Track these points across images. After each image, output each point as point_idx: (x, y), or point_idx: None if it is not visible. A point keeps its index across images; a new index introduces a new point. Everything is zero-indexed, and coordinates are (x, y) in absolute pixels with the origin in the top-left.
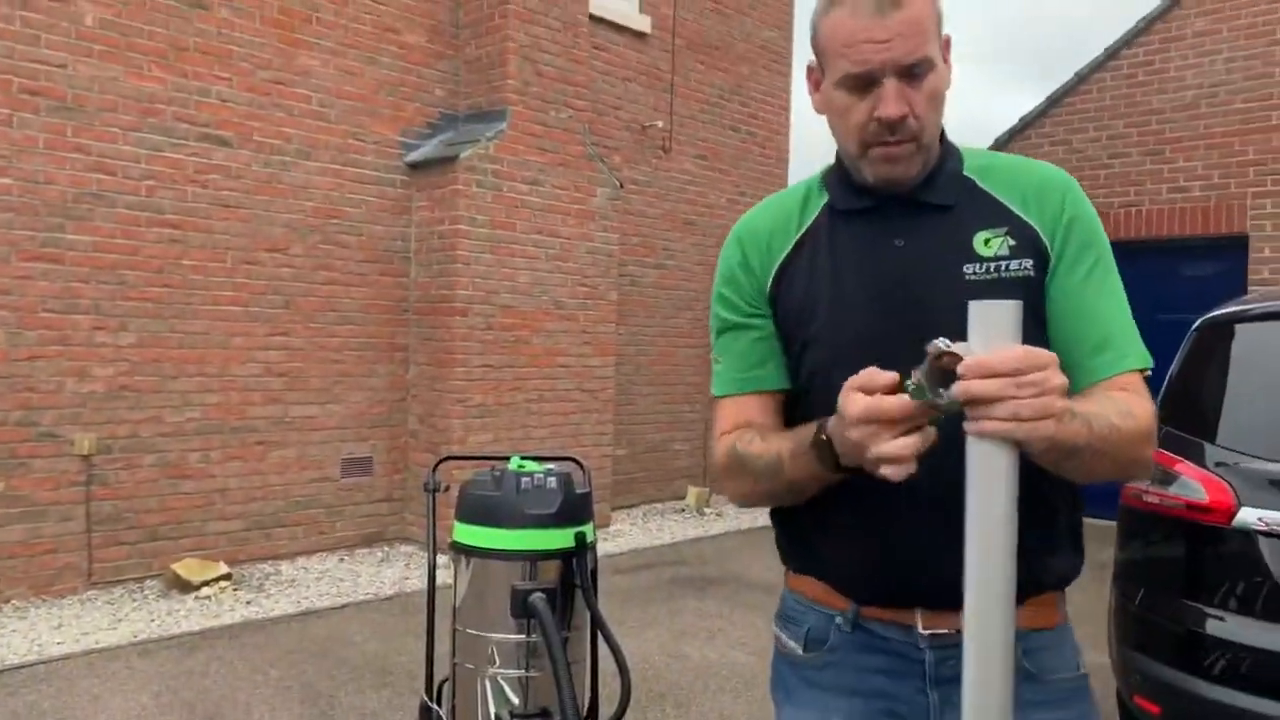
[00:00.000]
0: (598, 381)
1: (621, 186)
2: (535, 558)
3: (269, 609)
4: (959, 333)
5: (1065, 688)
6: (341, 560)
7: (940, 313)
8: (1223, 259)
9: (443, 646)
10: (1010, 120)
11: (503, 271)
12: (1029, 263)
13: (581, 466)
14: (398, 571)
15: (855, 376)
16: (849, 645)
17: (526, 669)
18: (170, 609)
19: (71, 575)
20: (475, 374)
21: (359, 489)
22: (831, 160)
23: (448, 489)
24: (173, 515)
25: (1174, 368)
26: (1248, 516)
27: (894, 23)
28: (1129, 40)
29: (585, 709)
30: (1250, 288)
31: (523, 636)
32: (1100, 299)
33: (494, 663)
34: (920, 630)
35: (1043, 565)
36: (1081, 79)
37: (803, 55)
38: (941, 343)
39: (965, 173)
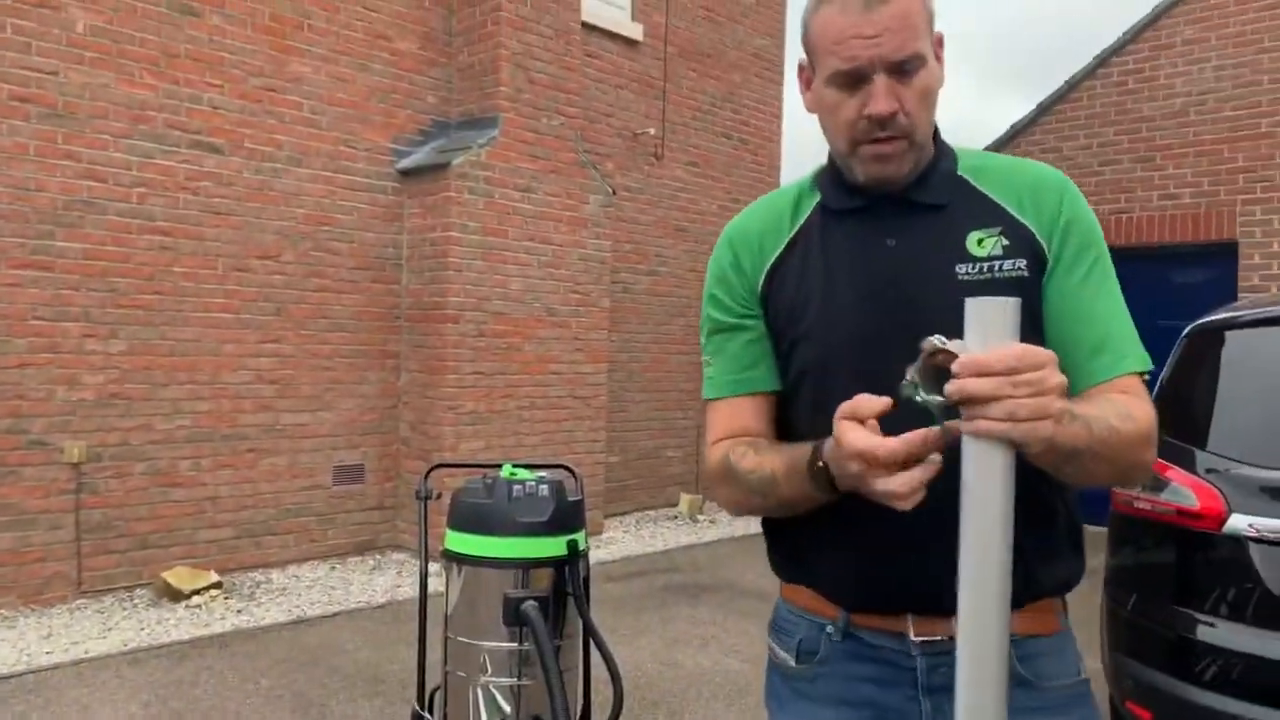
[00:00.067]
0: (590, 388)
1: (614, 193)
2: (527, 565)
3: (260, 617)
4: (951, 333)
5: (1064, 694)
6: (333, 568)
7: (932, 312)
8: (1213, 265)
9: (434, 655)
10: (1002, 127)
11: (494, 278)
12: (1023, 263)
13: (574, 474)
14: (389, 579)
15: (846, 404)
16: (839, 655)
17: (519, 677)
18: (160, 618)
19: (61, 584)
20: (467, 381)
21: (350, 497)
22: (823, 163)
23: (439, 496)
24: (163, 523)
25: (1164, 374)
26: (1238, 523)
27: (883, 18)
28: (1119, 48)
29: (578, 717)
30: (1240, 294)
31: (515, 645)
32: (1098, 301)
33: (486, 671)
34: (912, 637)
35: (1042, 570)
36: (1072, 86)
37: (794, 63)
38: (936, 340)
39: (959, 172)
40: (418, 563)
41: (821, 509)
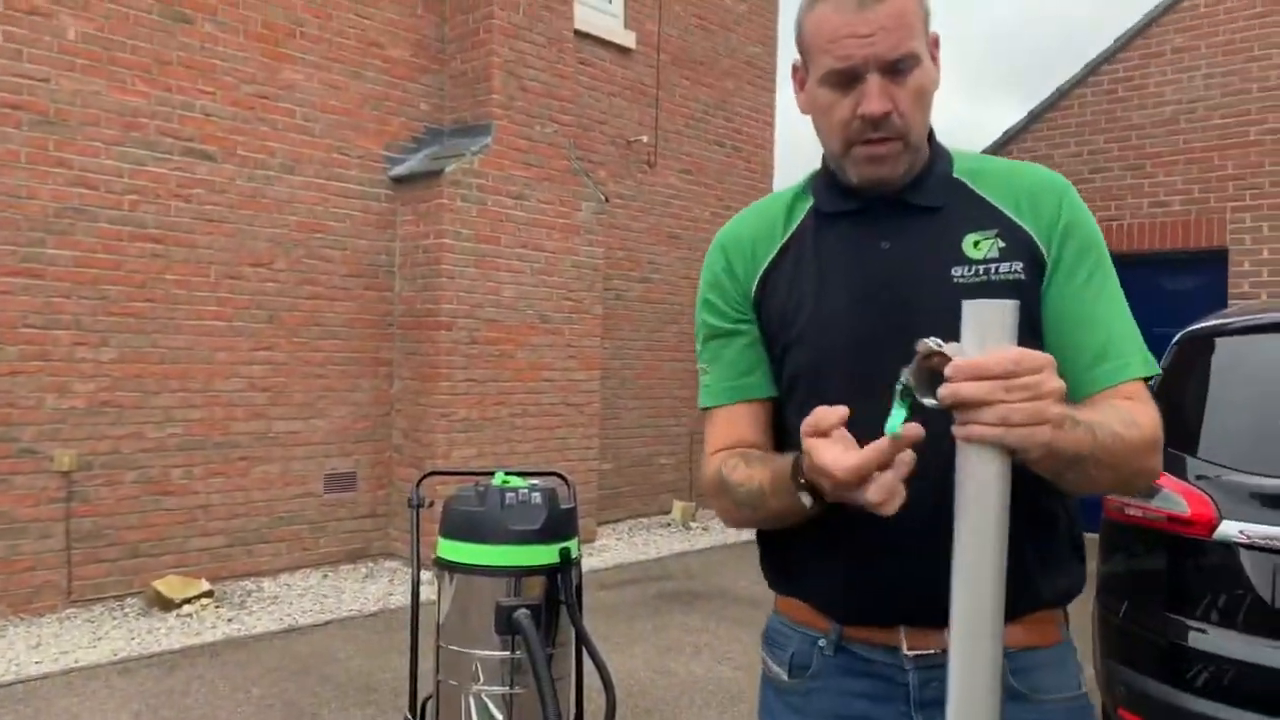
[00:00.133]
0: (583, 395)
1: (606, 201)
2: (520, 574)
3: (251, 626)
4: (947, 336)
5: (1061, 708)
6: (325, 576)
7: (927, 315)
8: (1203, 272)
9: (427, 663)
10: (994, 133)
11: (487, 285)
12: (1019, 265)
13: (566, 481)
14: (382, 587)
15: (808, 419)
16: (832, 670)
17: (511, 686)
18: (151, 627)
19: (51, 593)
20: (460, 388)
21: (342, 504)
22: (818, 167)
23: (432, 504)
24: (154, 532)
25: (1155, 381)
26: (1229, 529)
27: (878, 16)
28: (1109, 56)
29: None
30: (1230, 300)
31: (507, 653)
32: (1100, 305)
33: (478, 680)
34: (905, 650)
35: (1041, 579)
36: (1062, 94)
37: (786, 71)
38: (932, 342)
39: (955, 175)
40: (410, 571)
41: (814, 519)
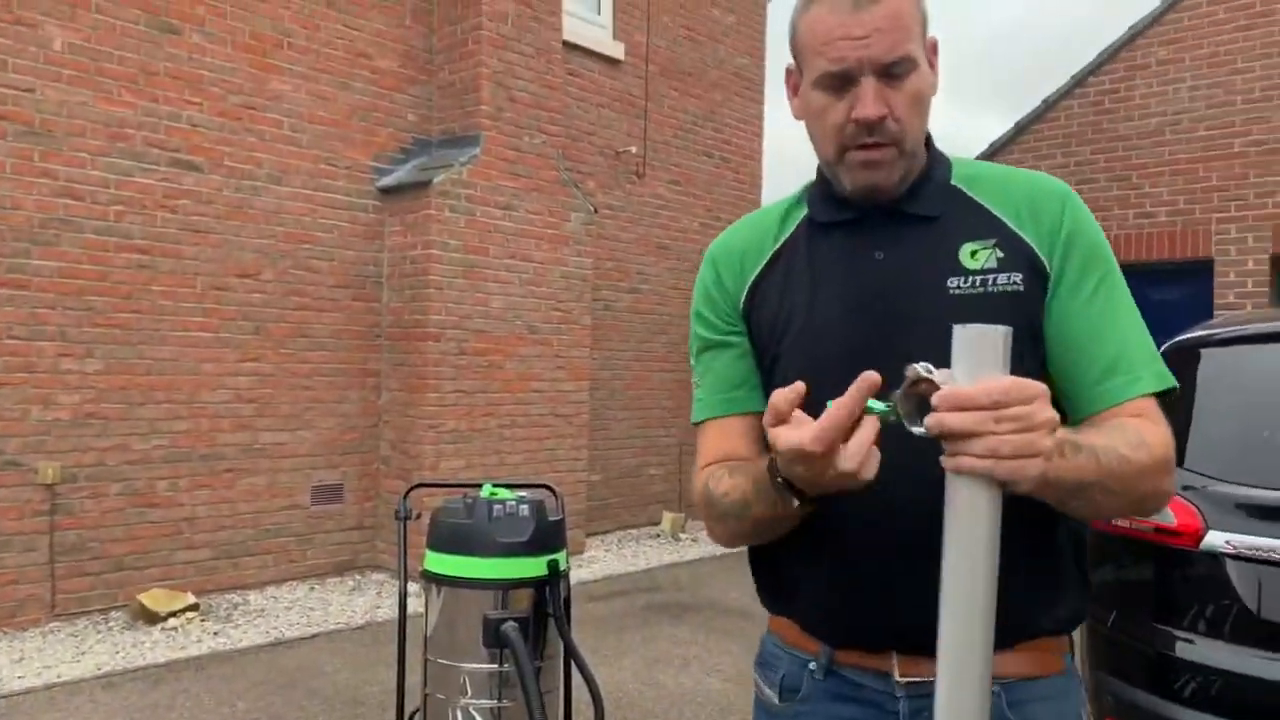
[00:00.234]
0: (572, 406)
1: (595, 211)
2: (507, 586)
3: (237, 639)
4: (941, 349)
5: None
6: (312, 589)
7: (922, 326)
8: (1189, 283)
9: (414, 677)
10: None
11: (476, 296)
12: (1019, 276)
13: (554, 493)
14: (369, 600)
15: (766, 412)
16: (821, 694)
17: (499, 699)
18: (136, 640)
19: (34, 607)
20: (448, 400)
21: (329, 517)
22: (811, 178)
23: (419, 516)
24: (139, 545)
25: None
26: (1215, 540)
27: (873, 18)
28: (1095, 68)
29: None
30: (1216, 311)
31: (495, 666)
32: (1107, 317)
33: (466, 693)
34: (896, 677)
35: (1040, 607)
36: (1049, 106)
37: (775, 83)
38: (921, 368)
39: (953, 182)
40: (397, 583)
41: (803, 536)
